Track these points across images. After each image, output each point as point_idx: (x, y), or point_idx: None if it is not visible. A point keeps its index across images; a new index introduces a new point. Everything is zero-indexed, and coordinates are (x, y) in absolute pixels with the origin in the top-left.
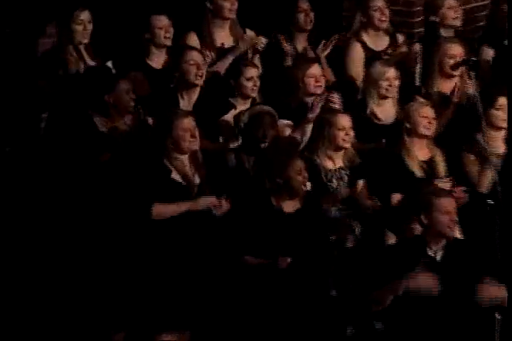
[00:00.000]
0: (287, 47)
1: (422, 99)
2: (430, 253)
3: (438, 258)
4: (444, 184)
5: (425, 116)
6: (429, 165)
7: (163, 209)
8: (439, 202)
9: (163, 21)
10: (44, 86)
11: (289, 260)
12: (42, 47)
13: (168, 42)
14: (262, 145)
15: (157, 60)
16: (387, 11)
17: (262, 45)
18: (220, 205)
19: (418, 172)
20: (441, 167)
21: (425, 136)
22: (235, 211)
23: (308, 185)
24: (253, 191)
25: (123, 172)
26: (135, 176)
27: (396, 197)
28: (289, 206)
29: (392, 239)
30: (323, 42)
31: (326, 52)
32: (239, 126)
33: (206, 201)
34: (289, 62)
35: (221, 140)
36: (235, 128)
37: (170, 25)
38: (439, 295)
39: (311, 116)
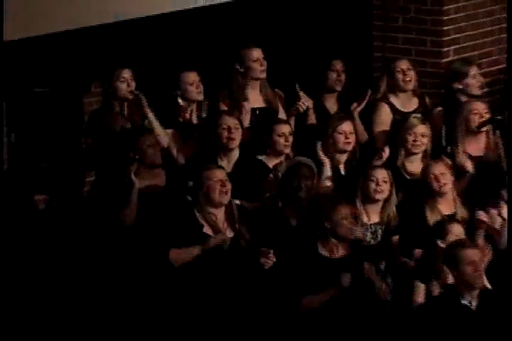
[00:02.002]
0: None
1: (445, 159)
2: (465, 302)
3: (473, 307)
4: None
5: (441, 173)
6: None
7: (177, 254)
8: (463, 253)
9: (192, 77)
10: (90, 145)
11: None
12: (87, 106)
13: (200, 97)
14: (299, 195)
15: (189, 115)
16: (411, 73)
17: (304, 108)
18: (270, 257)
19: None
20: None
21: (444, 194)
22: (279, 261)
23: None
24: (297, 238)
25: (155, 227)
26: (166, 230)
27: (418, 253)
28: (338, 252)
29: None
30: (360, 99)
31: (359, 109)
32: (276, 177)
33: (217, 239)
34: (312, 119)
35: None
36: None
37: (199, 81)
38: None
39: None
